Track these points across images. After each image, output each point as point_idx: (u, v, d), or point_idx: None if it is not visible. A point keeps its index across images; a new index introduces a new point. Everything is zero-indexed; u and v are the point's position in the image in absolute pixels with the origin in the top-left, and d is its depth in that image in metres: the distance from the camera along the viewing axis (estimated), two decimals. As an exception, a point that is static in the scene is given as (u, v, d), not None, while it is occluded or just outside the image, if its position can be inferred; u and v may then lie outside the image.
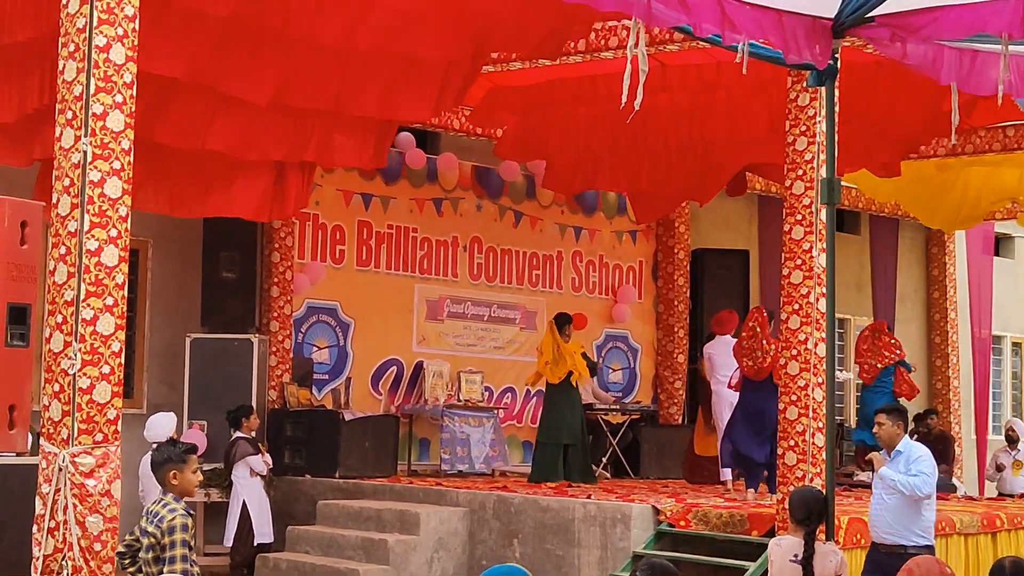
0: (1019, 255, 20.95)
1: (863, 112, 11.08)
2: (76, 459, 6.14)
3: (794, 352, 9.08)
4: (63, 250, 6.25)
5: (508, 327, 15.32)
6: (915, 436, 15.37)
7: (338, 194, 13.92)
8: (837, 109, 8.37)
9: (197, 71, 9.35)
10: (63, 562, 6.12)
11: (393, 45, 9.81)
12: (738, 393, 11.71)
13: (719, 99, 12.05)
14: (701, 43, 8.63)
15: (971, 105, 11.41)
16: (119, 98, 6.31)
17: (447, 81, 10.35)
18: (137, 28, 6.42)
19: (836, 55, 7.71)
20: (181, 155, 10.64)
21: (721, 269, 16.50)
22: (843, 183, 10.54)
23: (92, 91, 6.24)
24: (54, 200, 6.32)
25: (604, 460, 14.52)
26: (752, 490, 11.39)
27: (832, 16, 7.33)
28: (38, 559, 6.19)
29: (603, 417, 14.72)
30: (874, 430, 8.45)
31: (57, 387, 6.21)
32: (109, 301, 6.24)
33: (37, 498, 6.25)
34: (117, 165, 6.30)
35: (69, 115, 6.28)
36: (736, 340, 11.90)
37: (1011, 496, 14.63)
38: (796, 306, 9.14)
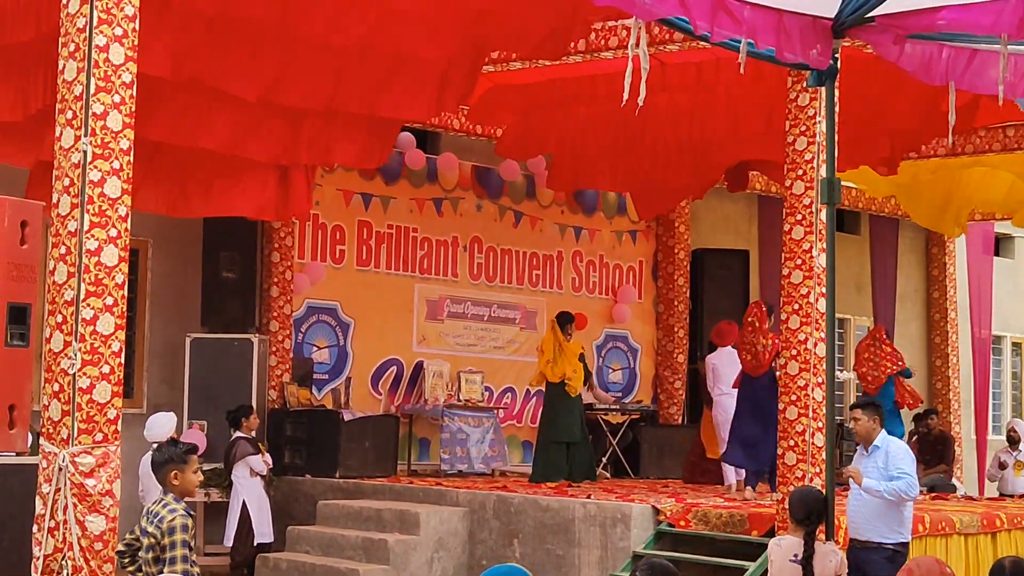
0: (1019, 255, 20.95)
1: (863, 108, 11.07)
2: (76, 459, 6.14)
3: (794, 352, 9.07)
4: (63, 250, 6.25)
5: (508, 327, 15.32)
6: (915, 436, 15.42)
7: (338, 194, 13.92)
8: (837, 109, 8.36)
9: (186, 68, 9.31)
10: (63, 562, 6.12)
11: (392, 44, 9.80)
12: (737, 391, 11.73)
13: (718, 96, 12.04)
14: (702, 43, 8.64)
15: (974, 106, 11.43)
16: (118, 98, 6.31)
17: (447, 80, 10.35)
18: (137, 28, 6.43)
19: (836, 55, 7.71)
20: (182, 154, 10.64)
21: (721, 269, 16.50)
22: (843, 183, 10.54)
23: (92, 91, 6.24)
24: (54, 200, 6.32)
25: (604, 460, 14.52)
26: (750, 488, 11.38)
27: (832, 16, 7.33)
28: (38, 559, 6.19)
29: (603, 417, 14.72)
30: (850, 425, 8.44)
31: (57, 387, 6.21)
32: (109, 301, 6.25)
33: (37, 498, 6.25)
34: (117, 165, 6.31)
35: (69, 115, 6.29)
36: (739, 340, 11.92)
37: (1011, 496, 14.63)
38: (796, 306, 9.13)
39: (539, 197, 15.60)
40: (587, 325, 15.19)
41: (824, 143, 8.69)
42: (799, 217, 9.13)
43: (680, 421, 16.01)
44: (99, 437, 6.20)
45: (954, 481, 15.58)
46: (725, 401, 12.35)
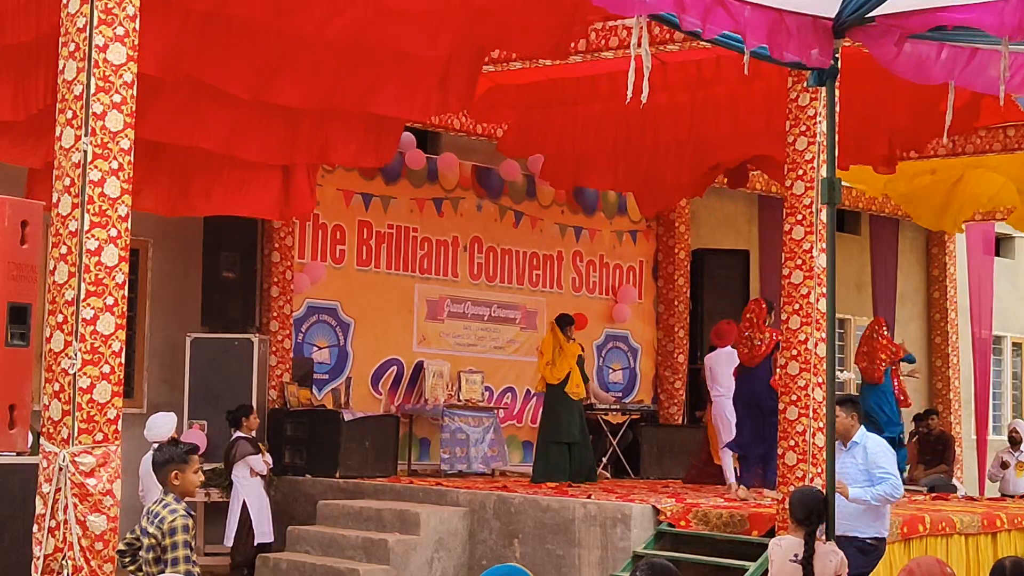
0: (1019, 255, 20.96)
1: (862, 107, 11.07)
2: (76, 459, 6.14)
3: (794, 352, 9.08)
4: (63, 250, 6.25)
5: (508, 327, 15.32)
6: (915, 436, 15.43)
7: (338, 194, 13.92)
8: (838, 109, 8.36)
9: (179, 66, 9.27)
10: (63, 562, 6.12)
11: (389, 42, 9.79)
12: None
13: (719, 94, 12.03)
14: (702, 43, 8.64)
15: (976, 106, 11.43)
16: (119, 97, 6.31)
17: (447, 80, 10.34)
18: (137, 28, 6.43)
19: (837, 55, 7.70)
20: (183, 154, 10.64)
21: (721, 269, 16.50)
22: (843, 183, 10.55)
23: (92, 91, 6.24)
24: (54, 200, 6.32)
25: (604, 460, 14.52)
26: (743, 487, 11.36)
27: (832, 16, 7.32)
28: (39, 559, 6.19)
29: (603, 417, 14.72)
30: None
31: (57, 387, 6.21)
32: (109, 301, 6.24)
33: (37, 498, 6.25)
34: (117, 165, 6.30)
35: (69, 115, 6.29)
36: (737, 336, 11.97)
37: (1012, 497, 14.63)
38: (796, 306, 9.13)
39: (539, 197, 15.60)
40: (587, 325, 15.20)
41: (824, 143, 8.69)
42: (799, 217, 9.13)
43: (680, 421, 16.02)
44: (99, 437, 6.19)
45: (954, 481, 15.59)
46: (722, 402, 12.43)
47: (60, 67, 6.36)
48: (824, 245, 8.75)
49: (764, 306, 11.52)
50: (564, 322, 12.98)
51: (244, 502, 11.48)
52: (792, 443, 8.95)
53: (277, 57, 9.75)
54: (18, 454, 7.17)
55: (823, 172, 8.77)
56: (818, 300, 9.02)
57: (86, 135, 6.23)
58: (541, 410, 13.36)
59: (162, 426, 10.51)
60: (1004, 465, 15.33)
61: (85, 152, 6.23)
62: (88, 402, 6.18)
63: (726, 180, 14.65)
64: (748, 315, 11.57)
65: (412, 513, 10.83)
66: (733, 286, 16.37)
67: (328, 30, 9.53)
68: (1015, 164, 14.66)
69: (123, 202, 6.32)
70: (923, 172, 15.29)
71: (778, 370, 10.06)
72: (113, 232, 6.27)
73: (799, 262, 9.13)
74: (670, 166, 13.55)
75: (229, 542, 11.57)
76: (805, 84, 8.78)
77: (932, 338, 19.39)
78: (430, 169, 14.65)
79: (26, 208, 7.35)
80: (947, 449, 15.87)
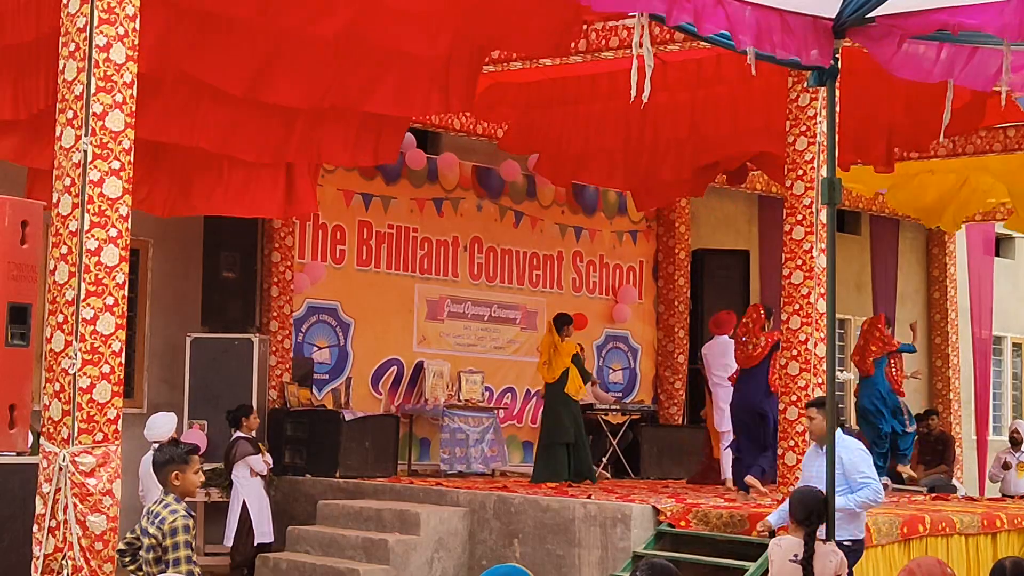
0: (1020, 255, 20.96)
1: (862, 106, 11.07)
2: (76, 458, 6.14)
3: (794, 352, 9.08)
4: (64, 250, 6.26)
5: (508, 327, 15.32)
6: (915, 436, 15.41)
7: (338, 194, 13.92)
8: (838, 109, 8.37)
9: (172, 63, 9.26)
10: (63, 561, 6.13)
11: (386, 41, 9.79)
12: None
13: (719, 92, 12.03)
14: (703, 43, 8.64)
15: (980, 107, 11.43)
16: (119, 97, 6.32)
17: (446, 80, 10.34)
18: (138, 28, 6.43)
19: (837, 55, 7.70)
20: (184, 154, 10.63)
21: (721, 269, 16.51)
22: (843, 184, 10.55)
23: (92, 91, 6.25)
24: (54, 199, 6.33)
25: (604, 460, 14.52)
26: (743, 492, 11.36)
27: (832, 16, 7.32)
28: (39, 558, 6.20)
29: (603, 417, 14.72)
30: (804, 423, 8.32)
31: (57, 386, 6.21)
32: (109, 301, 6.25)
33: (38, 497, 6.26)
34: (117, 165, 6.31)
35: (69, 114, 6.29)
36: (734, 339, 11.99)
37: (1012, 497, 14.63)
38: (796, 306, 9.15)
39: (539, 197, 15.60)
40: (587, 325, 15.21)
41: (824, 143, 8.70)
42: (799, 217, 9.14)
43: (680, 421, 16.02)
44: (99, 437, 6.20)
45: (955, 482, 15.59)
46: (717, 390, 12.53)
47: (60, 67, 6.36)
48: (824, 245, 8.77)
49: (762, 312, 11.55)
50: (560, 322, 12.99)
51: (244, 502, 11.48)
52: (792, 443, 8.96)
53: (273, 55, 9.75)
54: (18, 454, 7.18)
55: (823, 172, 8.78)
56: (818, 300, 9.03)
57: (86, 135, 6.24)
58: (542, 410, 13.36)
59: (162, 426, 10.51)
60: (1006, 466, 15.33)
61: (85, 152, 6.24)
62: (88, 402, 6.19)
63: (726, 179, 14.65)
64: (746, 320, 11.60)
65: (412, 513, 10.82)
66: (733, 286, 16.37)
67: (326, 29, 9.53)
68: (1010, 167, 14.69)
69: (123, 202, 6.33)
70: (922, 172, 15.30)
71: (778, 368, 10.08)
72: (113, 232, 6.28)
73: (799, 262, 9.14)
74: (669, 164, 13.56)
75: (229, 542, 11.57)
76: (805, 84, 8.79)
77: (932, 338, 19.39)
78: (430, 169, 14.65)
79: (26, 208, 7.36)
80: (947, 449, 15.87)
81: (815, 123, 9.09)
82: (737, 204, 17.53)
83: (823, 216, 8.82)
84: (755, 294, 16.66)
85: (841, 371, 14.50)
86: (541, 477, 12.74)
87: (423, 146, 14.51)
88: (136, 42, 6.42)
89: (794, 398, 9.05)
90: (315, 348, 13.78)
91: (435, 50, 9.98)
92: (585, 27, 10.58)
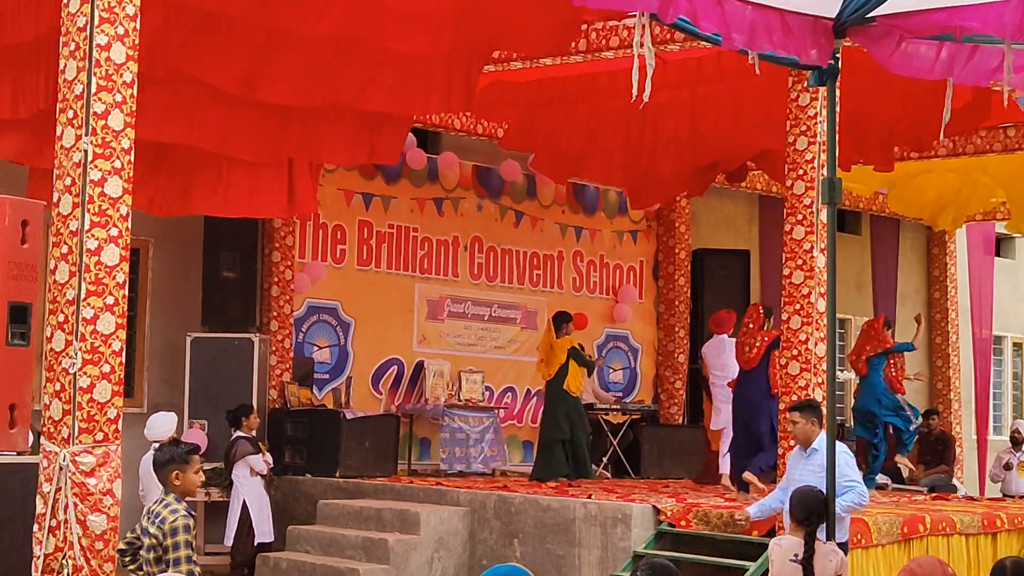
0: (1020, 255, 20.95)
1: (863, 105, 11.07)
2: (77, 458, 6.14)
3: (794, 352, 9.08)
4: (64, 249, 6.26)
5: (509, 327, 15.32)
6: (916, 436, 15.42)
7: (339, 193, 13.92)
8: (838, 109, 8.37)
9: (164, 61, 9.25)
10: (64, 561, 6.13)
11: (390, 41, 9.79)
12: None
13: (719, 89, 12.02)
14: (703, 43, 8.63)
15: (984, 107, 11.43)
16: (120, 97, 6.32)
17: (448, 79, 10.34)
18: (138, 27, 6.43)
19: (837, 55, 7.71)
20: (185, 154, 10.63)
21: (722, 269, 16.51)
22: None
23: (93, 90, 6.25)
24: (55, 199, 6.33)
25: (604, 460, 14.52)
26: (743, 492, 11.37)
27: (833, 16, 7.32)
28: (39, 558, 6.20)
29: (603, 417, 14.72)
30: (788, 428, 8.30)
31: (58, 386, 6.21)
32: (109, 300, 6.25)
33: (38, 497, 6.26)
34: (118, 164, 6.31)
35: (70, 114, 6.29)
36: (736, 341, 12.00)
37: (1012, 497, 14.64)
38: (797, 306, 9.14)
39: (540, 197, 15.60)
40: (588, 325, 15.20)
41: (825, 143, 8.69)
42: (800, 217, 9.14)
43: (681, 421, 16.02)
44: (100, 436, 6.20)
45: (955, 481, 15.59)
46: (716, 390, 12.57)
47: (61, 67, 6.36)
48: (824, 245, 8.76)
49: (762, 312, 11.56)
50: (559, 320, 13.00)
51: (244, 502, 11.48)
52: (792, 443, 8.94)
53: (270, 54, 9.73)
54: (19, 453, 7.18)
55: (823, 172, 8.77)
56: (818, 300, 9.03)
57: (87, 135, 6.24)
58: (542, 409, 13.37)
59: (162, 426, 10.51)
60: (1008, 466, 15.33)
61: (86, 152, 6.24)
62: (88, 401, 6.19)
63: (725, 179, 14.64)
64: (746, 319, 11.62)
65: (412, 513, 10.82)
66: (733, 286, 16.37)
67: (324, 28, 9.52)
68: (1007, 170, 14.71)
69: (124, 202, 6.33)
70: (922, 172, 15.32)
71: (779, 367, 10.07)
72: (114, 232, 6.28)
73: (799, 262, 9.14)
74: (669, 162, 13.56)
75: (229, 542, 11.57)
76: (805, 84, 8.78)
77: (933, 338, 19.38)
78: (430, 169, 14.65)
79: (26, 208, 7.36)
80: (947, 449, 15.87)
81: (815, 123, 9.08)
82: (737, 204, 17.53)
83: (823, 216, 8.81)
84: (755, 294, 16.66)
85: (841, 371, 14.50)
86: (538, 475, 12.76)
87: (423, 146, 14.51)
88: (136, 41, 6.42)
89: (794, 398, 9.04)
90: (315, 348, 13.78)
91: (434, 49, 9.97)
92: (585, 27, 10.58)
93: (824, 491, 7.45)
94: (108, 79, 6.28)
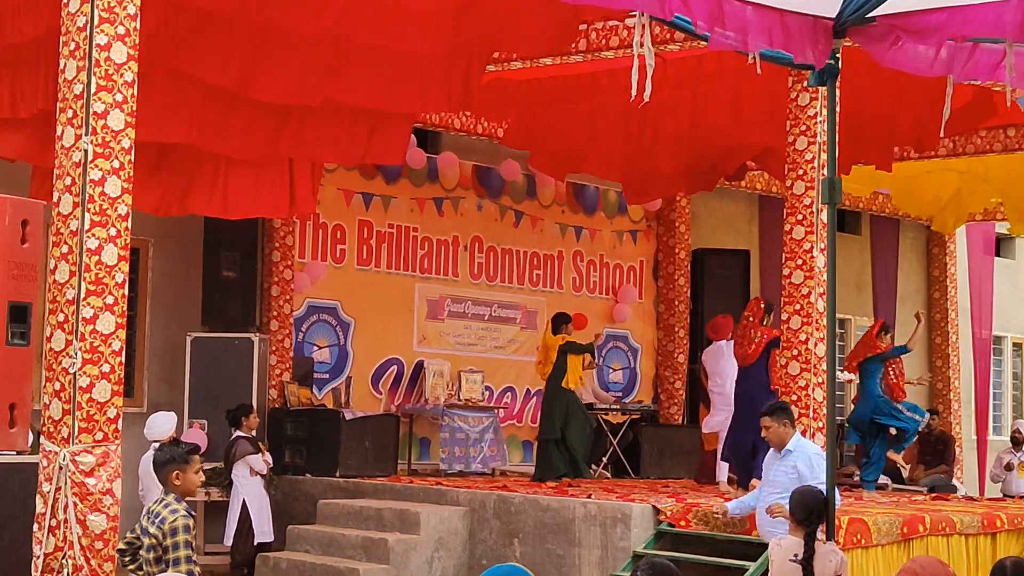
0: (1020, 256, 20.95)
1: (864, 105, 11.07)
2: (77, 458, 6.14)
3: (794, 352, 9.08)
4: (64, 249, 6.26)
5: (509, 327, 15.32)
6: (915, 436, 15.42)
7: (339, 193, 13.92)
8: (838, 109, 8.37)
9: (159, 60, 9.24)
10: (64, 560, 6.13)
11: (388, 40, 9.78)
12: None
13: (720, 87, 12.01)
14: (703, 43, 8.63)
15: (986, 107, 11.43)
16: (120, 96, 6.31)
17: (447, 79, 10.34)
18: (138, 27, 6.43)
19: (837, 55, 7.71)
20: (185, 153, 10.63)
21: (722, 269, 16.51)
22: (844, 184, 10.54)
23: (93, 90, 6.25)
24: (55, 199, 6.34)
25: (604, 460, 14.52)
26: (743, 490, 11.37)
27: (833, 16, 7.32)
28: (39, 557, 6.20)
29: (603, 417, 14.72)
30: (762, 434, 8.32)
31: (58, 386, 6.21)
32: (109, 300, 6.25)
33: (38, 496, 6.26)
34: (117, 164, 6.31)
35: (70, 114, 6.29)
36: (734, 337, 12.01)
37: (1012, 497, 14.64)
38: (797, 306, 9.14)
39: (540, 197, 15.60)
40: (587, 325, 15.19)
41: (825, 143, 8.69)
42: (800, 217, 9.14)
43: (680, 421, 16.02)
44: (99, 436, 6.21)
45: (955, 482, 15.59)
46: (714, 396, 12.57)
47: (61, 66, 6.36)
48: (824, 245, 8.76)
49: (762, 306, 11.55)
50: (558, 321, 13.00)
51: (244, 501, 11.48)
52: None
53: (266, 52, 9.73)
54: (18, 453, 7.19)
55: (823, 172, 8.77)
56: (818, 300, 9.03)
57: (87, 134, 6.24)
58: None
59: (162, 425, 10.51)
60: (1008, 467, 15.33)
61: (86, 151, 6.24)
62: (88, 401, 6.19)
63: (725, 177, 14.64)
64: (746, 313, 11.62)
65: (412, 512, 10.82)
66: (733, 286, 16.37)
67: (322, 27, 9.52)
68: (1005, 172, 14.74)
69: (124, 201, 6.33)
70: (921, 173, 15.33)
71: (779, 367, 10.08)
72: (113, 231, 6.28)
73: (799, 262, 9.14)
74: (668, 159, 13.55)
75: (229, 541, 11.57)
76: (805, 84, 8.78)
77: (932, 338, 19.38)
78: (430, 169, 14.65)
79: (27, 207, 7.37)
80: (947, 449, 15.87)
81: (815, 123, 9.08)
82: (737, 204, 17.53)
83: (823, 216, 8.82)
84: (755, 294, 16.65)
85: (841, 371, 14.50)
86: (538, 475, 12.77)
87: (423, 145, 14.51)
88: (137, 41, 6.42)
89: (794, 398, 9.05)
90: (315, 347, 13.78)
91: (433, 49, 9.97)
92: (585, 27, 10.58)
93: (824, 491, 7.46)
94: (108, 79, 6.28)
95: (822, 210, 8.85)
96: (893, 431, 13.65)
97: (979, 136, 13.94)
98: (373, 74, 10.18)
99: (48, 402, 6.26)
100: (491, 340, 15.15)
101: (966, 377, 19.25)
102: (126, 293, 6.37)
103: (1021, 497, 14.59)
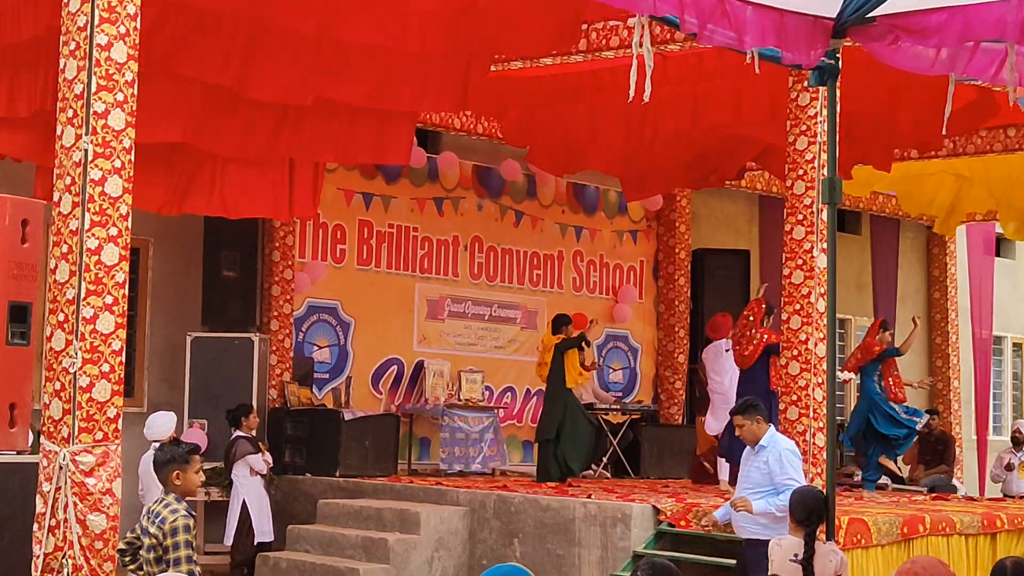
0: (1020, 256, 20.95)
1: (862, 106, 11.06)
2: (77, 457, 6.14)
3: (794, 352, 9.08)
4: (64, 248, 6.26)
5: (509, 327, 15.32)
6: (916, 436, 15.42)
7: (339, 193, 13.91)
8: (838, 109, 8.37)
9: (155, 59, 9.22)
10: (64, 560, 6.13)
11: (388, 40, 9.78)
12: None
13: (720, 86, 12.00)
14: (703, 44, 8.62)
15: (988, 106, 11.42)
16: (120, 96, 6.31)
17: (449, 78, 10.33)
18: (139, 27, 6.43)
19: (838, 55, 7.71)
20: (187, 152, 10.62)
21: (722, 269, 16.51)
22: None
23: (93, 89, 6.24)
24: (55, 198, 6.33)
25: (604, 460, 14.52)
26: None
27: (833, 16, 7.32)
28: (39, 557, 6.20)
29: (603, 417, 14.71)
30: (736, 432, 8.32)
31: (58, 385, 6.21)
32: (109, 300, 6.25)
33: (38, 496, 6.26)
34: (118, 163, 6.31)
35: (70, 113, 6.29)
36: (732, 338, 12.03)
37: (1013, 497, 14.64)
38: (797, 306, 9.14)
39: (540, 197, 15.60)
40: (587, 325, 15.19)
41: (825, 143, 8.69)
42: (800, 217, 9.14)
43: (680, 421, 16.02)
44: (99, 436, 6.20)
45: (955, 482, 15.59)
46: (714, 396, 12.59)
47: (61, 66, 6.36)
48: (825, 245, 8.75)
49: (763, 307, 11.55)
50: (557, 323, 13.01)
51: (244, 501, 11.48)
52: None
53: (262, 51, 9.72)
54: (18, 453, 7.19)
55: (823, 172, 8.77)
56: (818, 300, 9.03)
57: (87, 134, 6.24)
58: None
59: (162, 425, 10.51)
60: (1009, 467, 15.32)
61: (86, 151, 6.24)
62: (88, 401, 6.18)
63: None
64: (746, 313, 11.62)
65: (412, 512, 10.82)
66: (733, 286, 16.37)
67: (320, 26, 9.51)
68: (998, 174, 14.76)
69: (124, 201, 6.33)
70: (921, 173, 15.33)
71: (779, 370, 10.07)
72: (113, 231, 6.28)
73: (800, 262, 9.14)
74: (668, 156, 13.55)
75: (229, 541, 11.57)
76: (806, 84, 8.77)
77: (932, 338, 19.38)
78: (430, 168, 14.64)
79: (27, 207, 7.36)
80: (947, 449, 15.87)
81: (815, 122, 9.08)
82: (737, 204, 17.53)
83: (824, 216, 8.82)
84: (755, 294, 16.64)
85: (841, 371, 14.51)
86: (539, 476, 12.77)
87: (423, 145, 14.51)
88: (137, 41, 6.42)
89: (794, 398, 9.05)
90: (315, 347, 13.78)
91: (432, 49, 9.97)
92: (585, 27, 10.58)
93: (824, 491, 7.46)
94: (108, 78, 6.28)
95: (822, 210, 8.85)
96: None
97: (979, 136, 13.94)
98: (371, 73, 10.17)
99: (48, 402, 6.26)
100: (491, 340, 15.15)
101: (966, 377, 19.25)
102: (126, 293, 6.37)
103: (1021, 497, 14.59)
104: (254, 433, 11.85)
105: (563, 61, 11.19)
